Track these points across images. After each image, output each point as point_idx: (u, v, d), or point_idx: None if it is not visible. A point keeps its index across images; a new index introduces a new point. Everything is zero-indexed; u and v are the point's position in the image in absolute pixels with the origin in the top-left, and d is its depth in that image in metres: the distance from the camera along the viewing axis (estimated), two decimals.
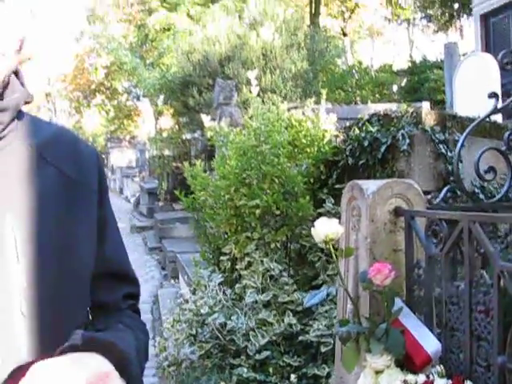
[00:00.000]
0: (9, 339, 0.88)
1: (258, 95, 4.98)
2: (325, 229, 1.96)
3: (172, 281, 8.18)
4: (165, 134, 16.99)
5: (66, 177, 1.04)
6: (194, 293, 4.49)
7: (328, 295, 2.15)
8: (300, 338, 3.50)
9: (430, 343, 1.91)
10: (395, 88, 14.85)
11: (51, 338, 0.92)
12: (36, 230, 0.95)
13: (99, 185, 1.12)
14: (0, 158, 0.96)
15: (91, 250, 1.07)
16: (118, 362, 0.92)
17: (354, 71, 15.47)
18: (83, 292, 1.05)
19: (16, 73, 1.05)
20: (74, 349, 0.89)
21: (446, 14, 20.24)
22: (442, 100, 12.19)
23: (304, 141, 4.58)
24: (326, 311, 3.47)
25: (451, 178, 3.58)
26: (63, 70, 38.50)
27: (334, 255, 2.01)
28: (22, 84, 1.05)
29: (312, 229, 2.00)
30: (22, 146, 1.01)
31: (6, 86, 0.97)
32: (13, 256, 0.90)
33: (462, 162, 3.82)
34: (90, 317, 1.13)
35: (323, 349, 3.33)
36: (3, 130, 0.97)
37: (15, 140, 1.00)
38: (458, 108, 8.93)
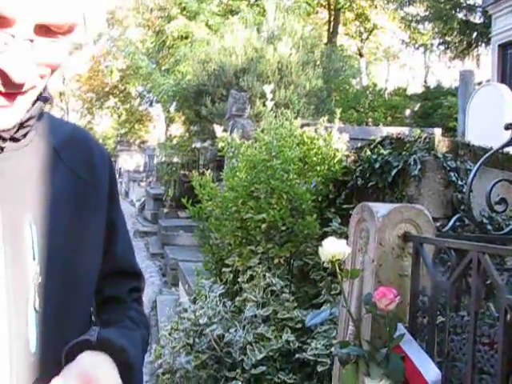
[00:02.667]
0: (22, 332, 0.92)
1: (272, 109, 4.99)
2: (332, 248, 1.95)
3: (172, 288, 8.17)
4: (175, 141, 17.07)
5: (79, 178, 1.08)
6: (194, 302, 4.48)
7: (330, 315, 2.14)
8: (297, 355, 3.47)
9: (430, 372, 1.89)
10: (408, 112, 14.87)
11: (58, 333, 0.98)
12: (50, 230, 0.98)
13: (109, 187, 1.17)
14: (21, 157, 0.99)
15: (98, 250, 1.12)
16: (125, 369, 1.00)
17: (367, 92, 15.49)
18: (89, 290, 1.10)
19: None
20: (88, 344, 0.97)
21: (464, 42, 20.26)
22: (454, 127, 12.20)
23: (315, 158, 4.58)
24: (325, 331, 3.44)
25: (462, 207, 3.56)
26: (79, 70, 38.78)
27: (339, 275, 2.01)
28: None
29: (319, 248, 1.99)
30: (41, 145, 1.04)
31: (38, 99, 0.99)
32: (30, 253, 0.95)
33: (472, 191, 3.82)
34: (96, 309, 1.19)
35: (319, 368, 3.30)
36: (27, 133, 1.00)
37: (35, 138, 1.03)
38: (470, 136, 8.93)
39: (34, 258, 0.95)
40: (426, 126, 12.21)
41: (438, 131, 9.66)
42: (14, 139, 0.97)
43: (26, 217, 0.95)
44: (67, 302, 1.00)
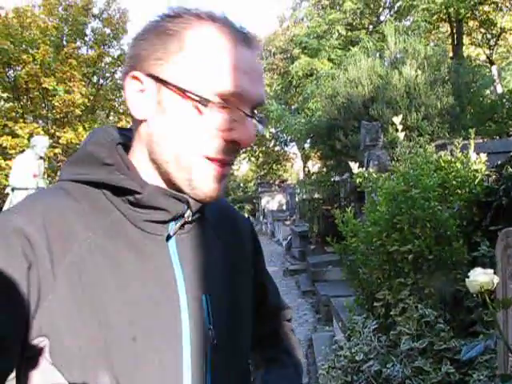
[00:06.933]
0: None
1: (405, 135, 4.98)
2: (479, 279, 1.94)
3: (326, 326, 8.21)
4: (313, 177, 17.26)
5: (231, 248, 1.26)
6: (348, 339, 4.52)
7: (486, 348, 2.10)
8: None
9: None
10: None
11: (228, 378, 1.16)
12: (219, 298, 1.16)
13: (255, 251, 1.36)
14: (190, 237, 1.16)
15: (250, 306, 1.29)
16: None
17: (504, 100, 14.81)
18: (247, 343, 1.26)
19: None
20: None
21: None
22: None
23: (454, 182, 4.50)
24: (487, 360, 3.34)
25: None
26: None
27: (490, 306, 1.98)
28: None
29: (466, 280, 1.99)
30: (202, 223, 1.21)
31: None
32: (206, 320, 1.12)
33: None
34: (255, 348, 1.37)
35: None
36: (194, 214, 1.16)
37: (197, 220, 1.19)
38: None
39: (209, 323, 1.11)
40: None
41: None
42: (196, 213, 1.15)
43: (201, 287, 1.13)
44: (233, 360, 1.18)
